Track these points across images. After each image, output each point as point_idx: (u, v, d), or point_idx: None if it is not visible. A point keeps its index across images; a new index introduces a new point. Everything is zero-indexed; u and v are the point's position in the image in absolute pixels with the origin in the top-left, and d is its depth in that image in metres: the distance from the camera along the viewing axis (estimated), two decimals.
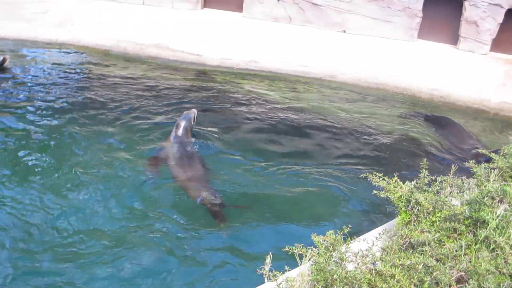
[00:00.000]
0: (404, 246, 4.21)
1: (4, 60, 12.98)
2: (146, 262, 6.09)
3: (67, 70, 13.33)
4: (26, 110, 10.25)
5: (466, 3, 16.54)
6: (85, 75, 13.09)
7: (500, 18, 16.24)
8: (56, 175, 7.78)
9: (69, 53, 15.02)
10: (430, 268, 3.73)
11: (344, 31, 17.40)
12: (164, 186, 7.83)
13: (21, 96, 11.08)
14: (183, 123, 9.41)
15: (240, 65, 15.12)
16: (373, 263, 3.91)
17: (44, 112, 10.26)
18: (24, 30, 15.72)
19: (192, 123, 9.66)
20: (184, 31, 16.26)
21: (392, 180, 4.87)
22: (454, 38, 17.29)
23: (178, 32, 16.17)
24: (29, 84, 11.88)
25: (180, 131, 9.31)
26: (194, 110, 9.95)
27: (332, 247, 3.93)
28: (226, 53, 15.37)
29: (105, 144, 9.01)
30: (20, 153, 8.39)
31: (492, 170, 5.30)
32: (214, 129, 10.24)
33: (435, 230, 4.22)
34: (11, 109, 10.26)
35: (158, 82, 13.06)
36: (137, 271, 5.95)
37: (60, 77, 12.66)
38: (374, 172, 4.93)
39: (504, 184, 4.74)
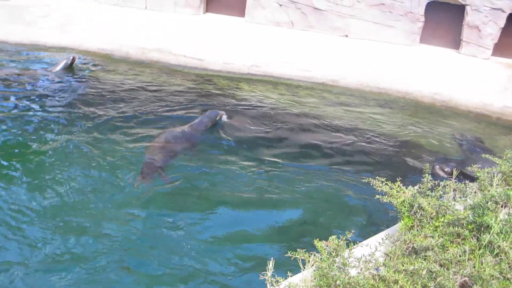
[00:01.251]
0: (407, 251, 4.18)
1: (73, 59, 13.60)
2: (145, 267, 6.07)
3: (68, 74, 13.32)
4: (26, 114, 10.25)
5: (468, 8, 16.53)
6: (86, 79, 13.08)
7: (502, 22, 16.22)
8: (56, 178, 7.77)
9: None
10: (434, 274, 3.70)
11: (346, 36, 17.40)
12: (166, 190, 7.81)
13: (22, 100, 11.07)
14: (205, 119, 10.44)
15: (242, 69, 15.11)
16: (376, 269, 3.89)
17: (44, 116, 10.25)
18: (25, 34, 15.74)
19: (210, 122, 10.46)
20: (186, 35, 16.26)
21: (395, 185, 4.86)
22: (456, 43, 17.27)
23: (180, 36, 16.17)
24: (29, 88, 11.87)
25: (197, 122, 10.29)
26: (222, 113, 10.92)
27: (335, 252, 3.90)
28: (228, 57, 15.36)
29: (106, 148, 9.00)
30: (21, 156, 8.40)
31: (495, 175, 5.27)
32: (217, 132, 10.24)
33: (438, 235, 4.19)
34: (12, 112, 10.26)
35: (160, 87, 13.06)
36: (137, 274, 5.93)
37: (61, 81, 12.65)
38: (377, 177, 4.91)
39: (508, 189, 4.71)
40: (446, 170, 8.71)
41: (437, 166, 9.07)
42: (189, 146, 9.52)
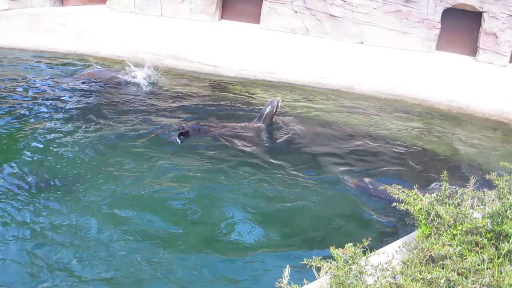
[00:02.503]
0: (425, 259, 4.14)
1: None
2: (153, 273, 6.06)
3: (83, 80, 13.43)
4: (43, 119, 10.31)
5: (485, 15, 16.43)
6: (102, 86, 13.16)
7: None
8: (73, 186, 7.80)
9: (87, 64, 15.14)
10: (452, 283, 3.66)
11: (362, 43, 17.36)
12: (176, 194, 7.81)
13: (39, 105, 11.14)
14: (266, 109, 11.06)
15: (257, 76, 15.12)
16: (394, 277, 3.85)
17: (61, 122, 10.30)
18: (43, 41, 15.90)
19: (275, 110, 11.11)
20: (202, 42, 16.33)
21: (412, 193, 4.82)
22: (473, 50, 17.17)
23: (195, 43, 16.24)
24: (47, 96, 11.95)
25: (261, 117, 11.01)
26: (279, 99, 11.38)
27: (352, 260, 3.87)
28: (243, 64, 15.38)
29: (120, 153, 9.01)
30: (35, 161, 8.43)
31: None
32: (232, 139, 10.24)
33: (456, 244, 4.15)
34: (27, 117, 10.34)
35: (176, 93, 13.10)
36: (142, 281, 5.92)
37: (78, 87, 12.75)
38: (394, 184, 4.87)
39: None
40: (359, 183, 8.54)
41: (350, 180, 8.76)
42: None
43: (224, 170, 8.80)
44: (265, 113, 10.96)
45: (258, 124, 10.93)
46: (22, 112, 10.73)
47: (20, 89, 12.19)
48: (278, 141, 10.55)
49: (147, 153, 9.12)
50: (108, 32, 16.69)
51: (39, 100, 11.54)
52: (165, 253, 6.42)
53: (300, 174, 8.92)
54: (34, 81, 12.94)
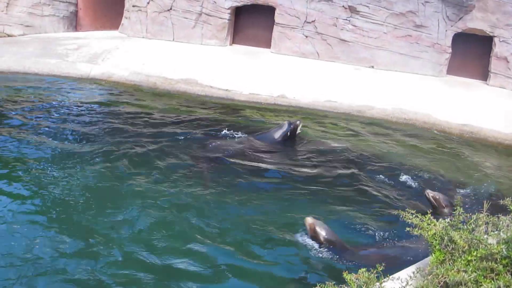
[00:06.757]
0: (439, 286, 4.09)
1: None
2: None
3: (97, 104, 13.57)
4: (54, 145, 10.36)
5: (495, 39, 16.45)
6: (113, 110, 13.27)
7: None
8: (80, 212, 7.82)
9: (99, 88, 15.31)
10: None
11: (372, 67, 17.40)
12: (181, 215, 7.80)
13: (51, 130, 11.23)
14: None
15: (268, 100, 15.19)
16: None
17: (72, 147, 10.37)
18: (57, 66, 16.09)
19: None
20: (213, 66, 16.46)
21: (426, 217, 4.78)
22: (484, 74, 17.14)
23: (207, 67, 16.37)
24: (59, 120, 12.07)
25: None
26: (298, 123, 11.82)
27: (365, 285, 3.84)
28: (254, 88, 15.46)
29: (132, 180, 9.02)
30: (47, 187, 8.48)
31: None
32: (242, 161, 10.27)
33: (471, 270, 4.09)
34: (41, 142, 10.41)
35: (187, 117, 13.16)
36: None
37: (90, 111, 12.87)
38: (407, 209, 4.84)
39: None
40: (437, 197, 8.55)
41: (430, 193, 8.75)
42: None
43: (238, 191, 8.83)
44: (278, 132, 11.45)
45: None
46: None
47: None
48: (288, 164, 10.54)
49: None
50: (120, 57, 16.89)
51: None
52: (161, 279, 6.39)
53: (311, 197, 8.92)
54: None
